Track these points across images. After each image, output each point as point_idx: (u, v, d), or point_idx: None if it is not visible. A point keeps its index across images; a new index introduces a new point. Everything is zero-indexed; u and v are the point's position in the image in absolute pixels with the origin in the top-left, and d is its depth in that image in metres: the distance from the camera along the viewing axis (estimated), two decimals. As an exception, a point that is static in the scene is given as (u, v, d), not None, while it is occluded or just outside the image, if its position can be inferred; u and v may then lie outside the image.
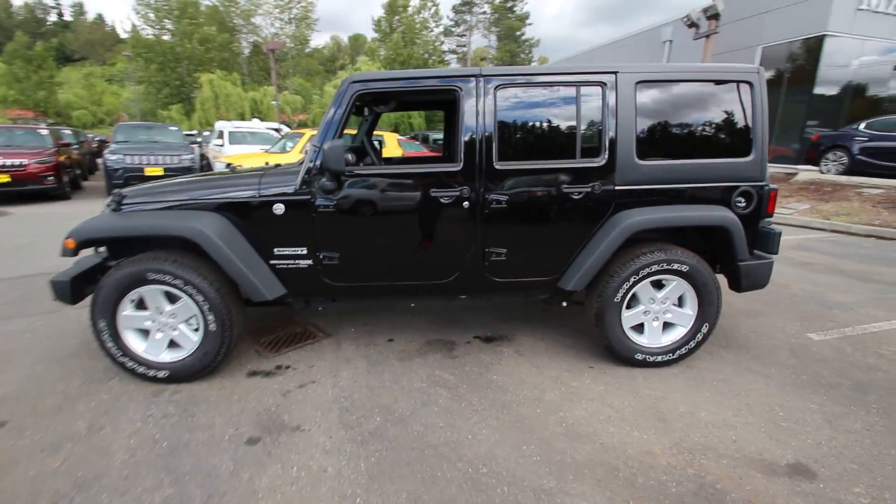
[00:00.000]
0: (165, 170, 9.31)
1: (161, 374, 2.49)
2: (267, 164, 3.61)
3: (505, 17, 46.98)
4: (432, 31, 43.13)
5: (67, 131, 13.36)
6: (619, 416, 2.24)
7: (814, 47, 13.42)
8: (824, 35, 13.11)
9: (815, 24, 13.23)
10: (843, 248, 6.06)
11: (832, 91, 14.10)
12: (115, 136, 10.52)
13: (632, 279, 2.55)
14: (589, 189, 2.53)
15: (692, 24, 12.10)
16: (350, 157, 2.67)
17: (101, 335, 2.43)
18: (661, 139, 2.59)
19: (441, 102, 3.88)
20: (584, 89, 2.51)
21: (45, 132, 9.72)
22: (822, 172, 10.27)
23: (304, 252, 2.57)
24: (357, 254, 2.61)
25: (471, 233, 2.58)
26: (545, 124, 2.59)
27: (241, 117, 26.75)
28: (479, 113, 2.48)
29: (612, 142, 2.50)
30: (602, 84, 2.50)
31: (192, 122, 28.76)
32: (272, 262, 2.57)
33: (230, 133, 11.25)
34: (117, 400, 2.37)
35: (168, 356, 2.51)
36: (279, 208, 2.50)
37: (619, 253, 2.54)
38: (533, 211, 2.58)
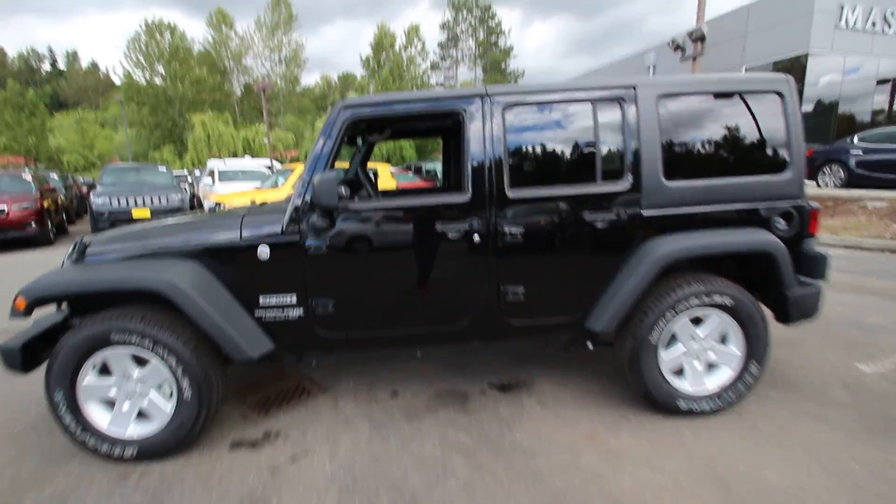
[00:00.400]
0: (153, 211, 9.03)
1: (129, 451, 2.11)
2: (253, 201, 3.32)
3: (489, 51, 48.25)
4: (420, 66, 44.07)
5: (54, 176, 13.12)
6: (673, 483, 1.88)
7: (798, 66, 13.64)
8: (807, 54, 13.36)
9: (797, 43, 13.50)
10: (859, 264, 5.81)
11: (819, 108, 14.28)
12: (102, 178, 10.21)
13: (667, 315, 2.24)
14: (613, 216, 2.26)
15: (678, 48, 12.24)
16: (343, 190, 2.40)
17: (57, 409, 2.07)
18: (690, 157, 2.34)
19: (439, 129, 3.66)
20: (600, 106, 2.27)
21: (28, 178, 9.44)
22: (819, 186, 10.18)
23: (294, 300, 2.25)
24: (355, 300, 2.30)
25: (483, 270, 2.28)
26: (560, 146, 2.34)
27: (234, 155, 26.89)
28: (486, 137, 2.22)
29: (636, 162, 2.25)
30: (620, 99, 2.26)
31: (185, 162, 28.83)
32: (257, 313, 2.25)
33: (220, 171, 11.08)
34: (76, 487, 2.00)
35: (137, 430, 2.14)
36: (264, 252, 2.20)
37: (651, 286, 2.25)
38: (552, 243, 2.29)
